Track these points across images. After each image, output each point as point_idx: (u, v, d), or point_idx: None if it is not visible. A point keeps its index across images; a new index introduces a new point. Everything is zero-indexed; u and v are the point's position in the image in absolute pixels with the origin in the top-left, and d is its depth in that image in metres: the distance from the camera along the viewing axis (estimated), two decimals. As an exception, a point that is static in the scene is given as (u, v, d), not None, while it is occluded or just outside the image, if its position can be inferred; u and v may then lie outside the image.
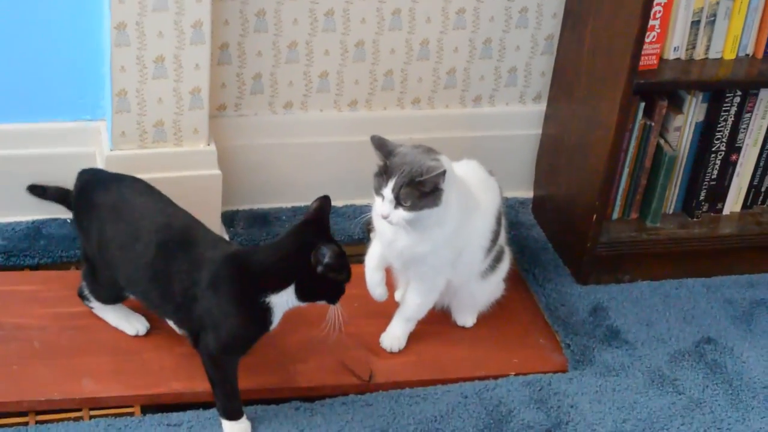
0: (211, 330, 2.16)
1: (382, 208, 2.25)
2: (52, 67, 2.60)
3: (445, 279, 2.44)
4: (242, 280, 2.14)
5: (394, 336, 2.50)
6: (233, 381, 2.22)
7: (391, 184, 2.23)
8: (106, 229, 2.26)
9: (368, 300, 2.59)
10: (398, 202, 2.23)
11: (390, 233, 2.33)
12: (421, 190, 2.22)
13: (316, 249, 2.09)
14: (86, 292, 2.40)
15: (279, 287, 2.14)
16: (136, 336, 2.41)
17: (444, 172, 2.22)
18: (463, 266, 2.43)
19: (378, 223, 2.36)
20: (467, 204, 2.37)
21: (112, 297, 2.37)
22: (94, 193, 2.31)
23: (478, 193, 2.42)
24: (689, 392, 2.50)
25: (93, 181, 2.35)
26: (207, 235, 2.24)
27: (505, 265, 2.57)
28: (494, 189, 2.47)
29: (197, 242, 2.20)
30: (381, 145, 2.28)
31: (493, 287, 2.56)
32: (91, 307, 2.42)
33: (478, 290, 2.52)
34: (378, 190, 2.26)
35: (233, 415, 2.23)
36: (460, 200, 2.33)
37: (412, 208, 2.23)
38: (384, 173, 2.25)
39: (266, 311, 2.15)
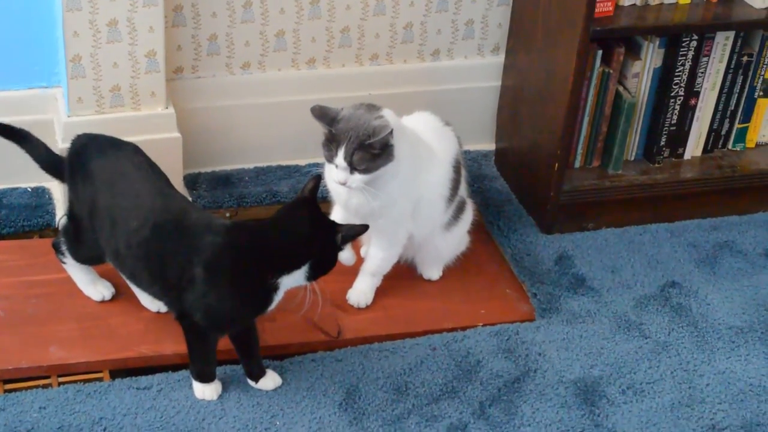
0: (204, 309, 2.13)
1: (339, 176, 2.26)
2: (4, 34, 2.58)
3: (406, 232, 2.44)
4: (251, 262, 2.10)
5: (361, 291, 2.50)
6: (214, 350, 2.21)
7: (341, 152, 2.23)
8: (99, 198, 2.21)
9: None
10: (353, 167, 2.24)
11: (344, 193, 2.33)
12: (372, 152, 2.23)
13: (341, 230, 2.10)
14: (63, 247, 2.36)
15: (293, 268, 2.11)
16: (102, 302, 2.40)
17: (392, 131, 2.22)
18: (425, 218, 2.44)
19: (331, 185, 2.36)
20: (420, 154, 2.37)
21: (89, 259, 2.35)
22: (91, 159, 2.24)
23: (432, 143, 2.42)
24: (655, 336, 2.52)
25: (90, 146, 2.27)
26: (204, 219, 2.17)
27: (467, 217, 2.57)
28: (450, 138, 2.47)
29: (195, 226, 2.14)
30: (323, 115, 2.26)
31: (457, 239, 2.57)
32: (63, 262, 2.39)
33: (441, 243, 2.53)
34: (330, 160, 2.26)
35: (206, 378, 2.23)
36: (412, 151, 2.34)
37: (367, 170, 2.24)
38: (332, 141, 2.25)
39: (272, 291, 2.13)
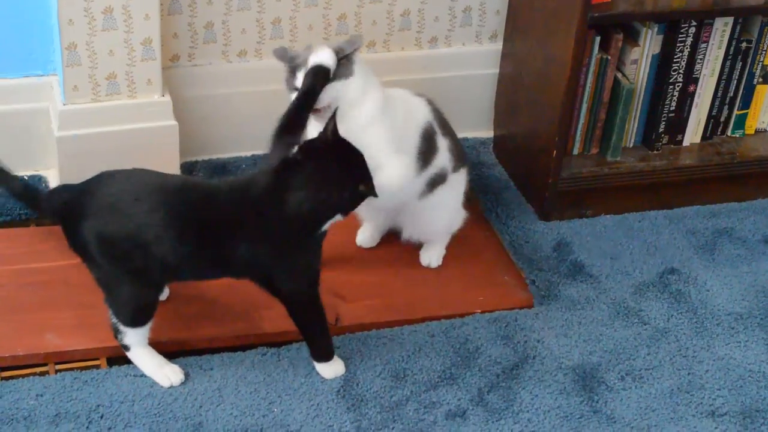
0: (288, 274, 2.16)
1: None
2: None
3: (402, 162, 2.38)
4: (298, 221, 2.12)
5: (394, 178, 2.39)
6: (325, 316, 2.24)
7: (300, 72, 2.25)
8: (114, 237, 2.10)
9: (331, 246, 2.58)
10: None
11: (315, 132, 2.31)
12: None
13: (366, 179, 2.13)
14: (117, 324, 2.20)
15: (333, 216, 2.14)
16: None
17: (355, 50, 2.28)
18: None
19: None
20: (382, 97, 2.34)
21: (145, 307, 2.19)
22: (79, 219, 2.13)
23: (397, 102, 2.40)
24: (654, 322, 2.52)
25: (70, 203, 2.16)
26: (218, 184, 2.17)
27: (453, 190, 2.52)
28: (419, 108, 2.44)
29: (218, 193, 2.13)
30: (283, 55, 2.31)
31: (440, 212, 2.53)
32: (126, 347, 2.23)
33: (419, 212, 2.49)
34: (292, 87, 2.28)
35: (330, 354, 2.26)
36: (373, 81, 2.33)
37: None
38: (293, 71, 2.28)
39: (321, 237, 2.19)
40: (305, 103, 2.21)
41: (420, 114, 2.44)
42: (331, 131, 2.12)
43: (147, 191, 2.10)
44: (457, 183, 2.55)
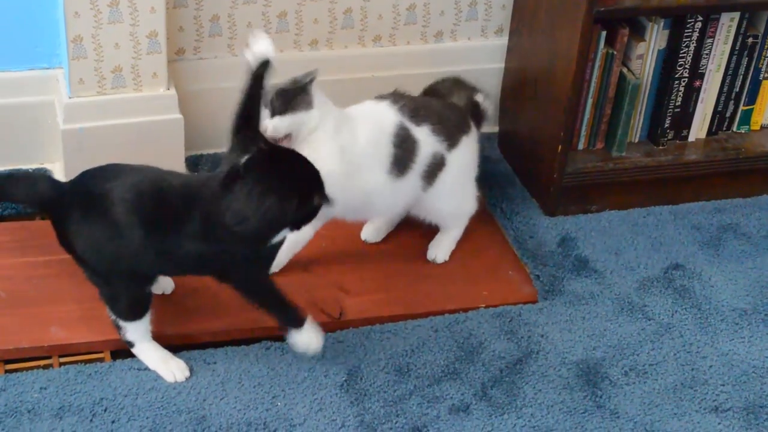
0: (237, 274, 2.15)
1: (263, 125, 2.28)
2: (5, 15, 2.56)
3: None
4: (240, 234, 2.06)
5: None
6: (278, 290, 2.20)
7: (263, 103, 2.28)
8: (95, 239, 2.13)
9: (336, 240, 2.60)
10: (273, 112, 2.30)
11: None
12: (288, 95, 2.30)
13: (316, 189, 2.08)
14: (116, 320, 2.22)
15: (279, 230, 2.08)
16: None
17: (311, 80, 2.32)
18: (369, 185, 2.41)
19: None
20: (337, 123, 2.36)
21: (139, 300, 2.21)
22: (63, 221, 2.16)
23: (357, 121, 2.40)
24: (658, 318, 2.51)
25: (56, 202, 2.18)
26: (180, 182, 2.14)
27: (453, 172, 2.50)
28: (385, 115, 2.42)
29: (171, 189, 2.11)
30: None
31: (447, 196, 2.52)
32: (131, 345, 2.25)
33: (428, 203, 2.50)
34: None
35: (300, 321, 2.22)
36: (329, 109, 2.37)
37: (284, 111, 2.29)
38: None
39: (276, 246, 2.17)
40: (254, 93, 2.17)
41: (386, 122, 2.42)
42: (265, 143, 2.11)
43: (122, 190, 2.09)
44: (461, 158, 2.51)
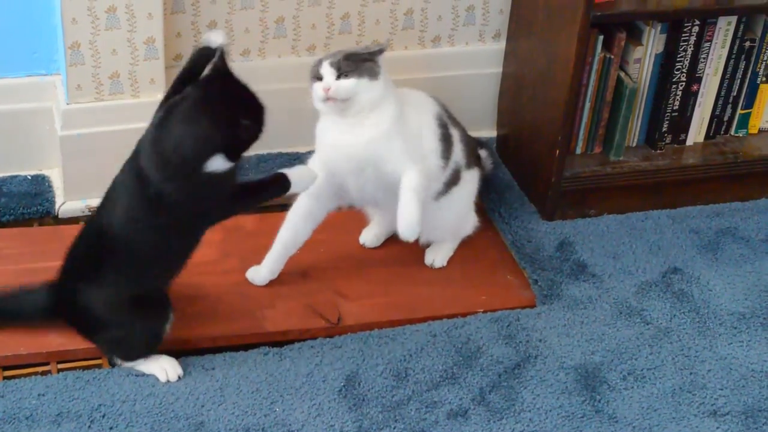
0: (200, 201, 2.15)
1: (325, 82, 2.30)
2: (3, 21, 2.57)
3: (419, 170, 2.37)
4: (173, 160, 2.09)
5: (412, 218, 2.33)
6: (248, 182, 2.25)
7: (327, 62, 2.31)
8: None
9: (334, 245, 2.60)
10: (339, 72, 2.30)
11: (336, 132, 2.35)
12: (357, 59, 2.31)
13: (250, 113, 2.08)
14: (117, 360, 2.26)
15: (211, 154, 2.08)
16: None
17: (381, 50, 2.33)
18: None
19: (321, 134, 2.40)
20: (400, 107, 2.38)
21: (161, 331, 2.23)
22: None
23: (409, 103, 2.43)
24: (657, 322, 2.51)
25: None
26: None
27: (466, 191, 2.54)
28: (423, 97, 2.47)
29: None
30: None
31: (452, 214, 2.54)
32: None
33: (430, 213, 2.46)
34: (316, 76, 2.33)
35: (285, 181, 2.25)
36: (392, 90, 2.38)
37: (352, 74, 2.29)
38: (318, 67, 2.33)
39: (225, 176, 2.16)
40: (197, 64, 2.16)
41: (429, 105, 2.47)
42: (220, 67, 2.08)
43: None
44: (469, 183, 2.56)
